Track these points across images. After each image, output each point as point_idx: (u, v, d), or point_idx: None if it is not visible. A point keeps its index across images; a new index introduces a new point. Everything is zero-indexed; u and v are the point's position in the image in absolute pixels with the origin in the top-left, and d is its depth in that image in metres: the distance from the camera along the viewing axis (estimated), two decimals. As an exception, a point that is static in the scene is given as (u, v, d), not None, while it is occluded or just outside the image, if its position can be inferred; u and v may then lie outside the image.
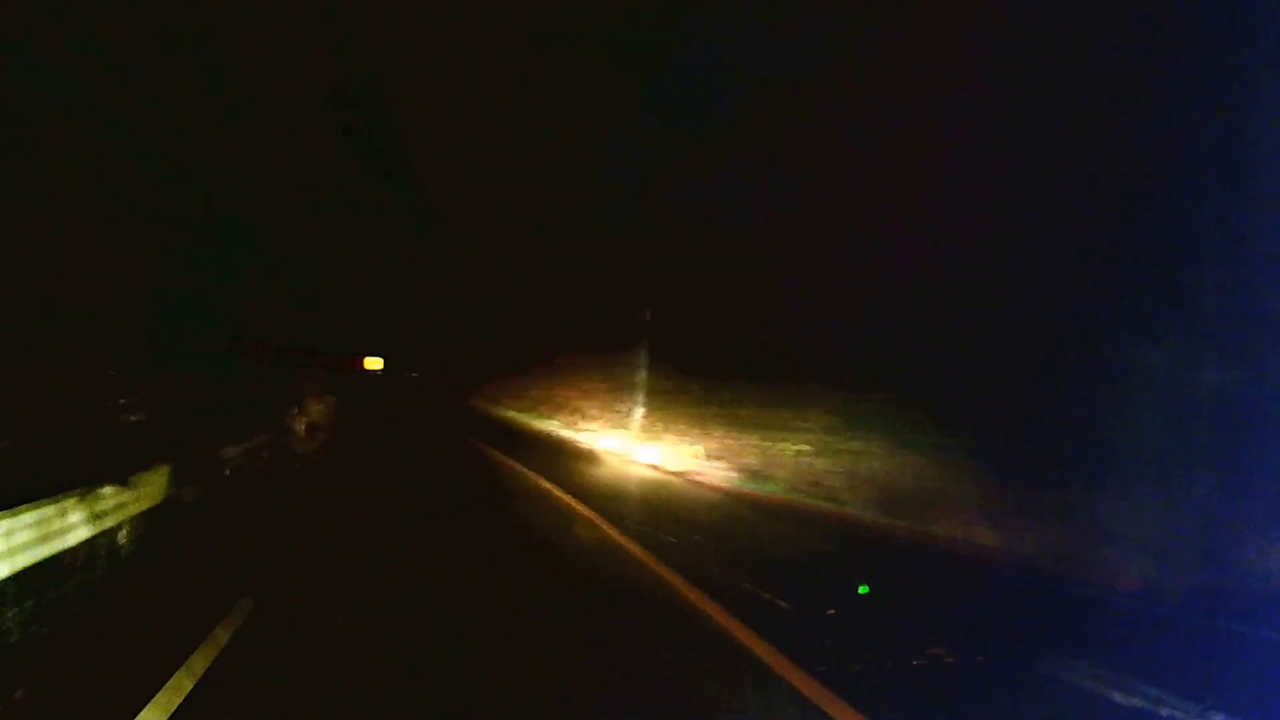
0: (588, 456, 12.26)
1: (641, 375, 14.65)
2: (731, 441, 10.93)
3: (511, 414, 19.73)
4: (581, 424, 15.44)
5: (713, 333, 13.26)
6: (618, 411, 14.99)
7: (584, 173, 18.58)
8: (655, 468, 10.98)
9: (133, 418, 7.43)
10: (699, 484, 9.53)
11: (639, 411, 14.24)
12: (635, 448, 12.57)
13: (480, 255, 30.54)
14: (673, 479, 9.99)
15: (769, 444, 10.19)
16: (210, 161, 11.69)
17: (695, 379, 13.13)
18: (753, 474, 9.81)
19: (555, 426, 16.35)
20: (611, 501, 7.84)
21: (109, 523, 4.07)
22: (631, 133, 15.30)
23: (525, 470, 9.97)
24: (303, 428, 11.93)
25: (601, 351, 16.91)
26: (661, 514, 7.34)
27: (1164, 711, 2.68)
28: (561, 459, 11.79)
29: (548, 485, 8.68)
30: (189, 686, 2.73)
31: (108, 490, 4.07)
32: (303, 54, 14.24)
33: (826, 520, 7.32)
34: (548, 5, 16.12)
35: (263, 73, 13.22)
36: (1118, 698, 2.81)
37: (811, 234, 10.44)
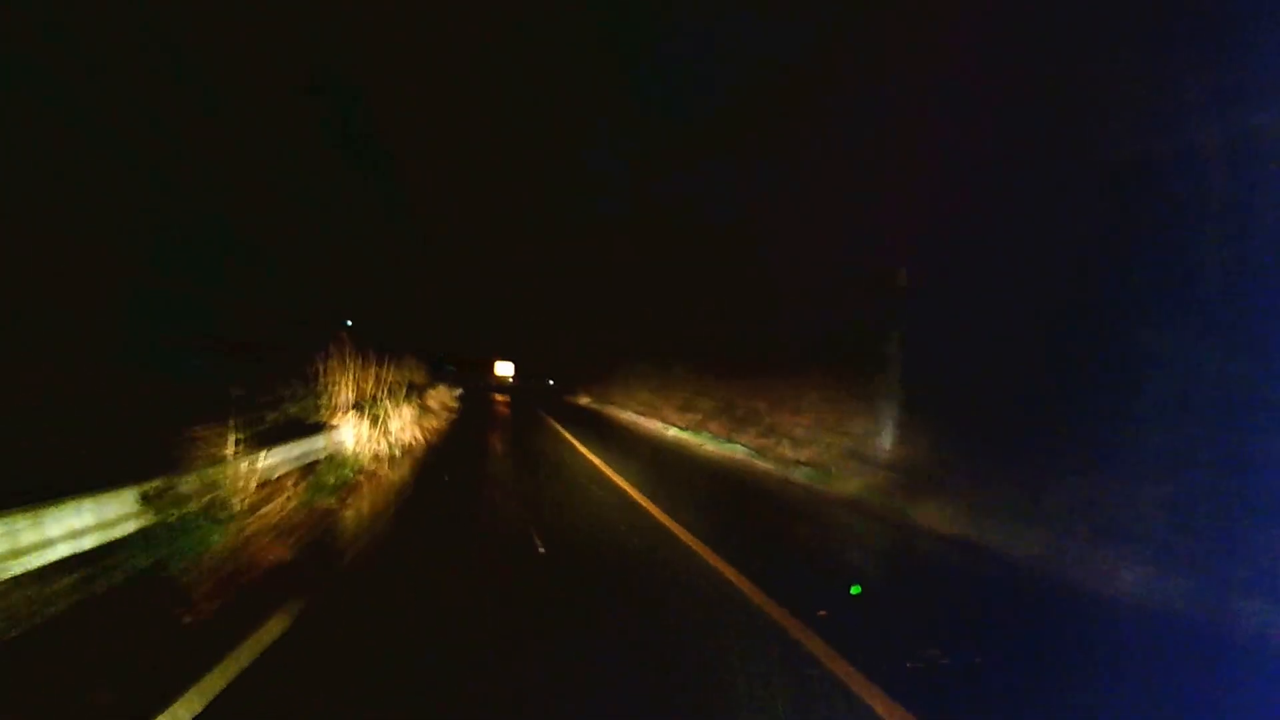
0: (814, 520, 6.92)
1: (890, 379, 9.12)
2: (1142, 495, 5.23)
3: (673, 433, 14.86)
4: (785, 452, 10.13)
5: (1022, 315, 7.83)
6: (844, 433, 9.55)
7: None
8: (1005, 563, 5.45)
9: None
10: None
11: (887, 434, 8.73)
12: (905, 500, 7.09)
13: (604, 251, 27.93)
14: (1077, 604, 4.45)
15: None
16: (193, 156, 11.20)
17: (1002, 383, 7.54)
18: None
19: (740, 452, 11.19)
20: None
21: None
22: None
23: (720, 568, 4.91)
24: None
25: (816, 346, 11.58)
26: None
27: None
28: (774, 535, 6.63)
29: (781, 618, 3.57)
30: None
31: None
32: (281, 43, 14.07)
33: None
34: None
35: (241, 64, 12.94)
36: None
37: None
